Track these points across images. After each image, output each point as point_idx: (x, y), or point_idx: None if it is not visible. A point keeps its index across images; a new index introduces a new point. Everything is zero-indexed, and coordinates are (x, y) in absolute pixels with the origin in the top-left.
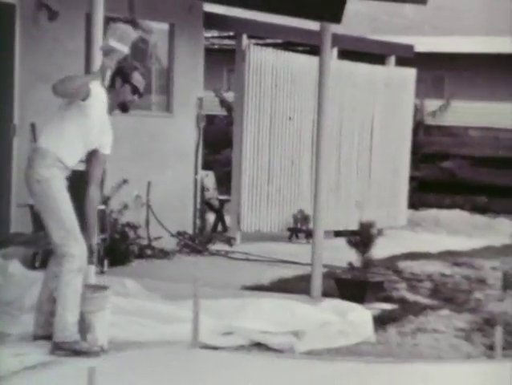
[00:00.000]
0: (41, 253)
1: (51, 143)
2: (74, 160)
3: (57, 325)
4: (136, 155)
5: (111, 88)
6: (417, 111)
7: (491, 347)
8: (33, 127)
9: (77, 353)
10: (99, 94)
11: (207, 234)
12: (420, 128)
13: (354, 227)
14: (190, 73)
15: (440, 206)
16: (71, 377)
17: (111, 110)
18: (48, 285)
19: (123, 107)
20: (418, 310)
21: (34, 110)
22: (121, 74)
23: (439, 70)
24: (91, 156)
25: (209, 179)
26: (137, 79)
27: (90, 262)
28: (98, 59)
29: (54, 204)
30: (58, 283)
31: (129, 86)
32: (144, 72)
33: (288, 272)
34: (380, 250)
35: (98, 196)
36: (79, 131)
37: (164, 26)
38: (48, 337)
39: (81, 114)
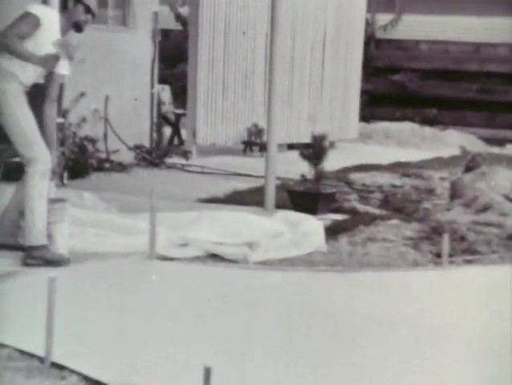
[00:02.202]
0: (1, 165)
1: (7, 61)
2: (29, 79)
3: (27, 229)
4: (93, 68)
5: (63, 9)
6: (369, 25)
7: (438, 255)
8: None
9: (48, 262)
10: (51, 19)
11: (163, 148)
12: (372, 42)
13: (306, 140)
14: None
15: (390, 119)
16: (32, 287)
17: (64, 31)
18: (17, 197)
19: (77, 28)
20: (368, 220)
21: None
22: None
23: None
24: (48, 75)
25: (165, 93)
26: None
27: (51, 178)
28: None
29: (13, 116)
30: (25, 188)
31: (81, 5)
32: None
33: (242, 185)
34: (332, 162)
35: (54, 114)
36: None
37: None
38: (7, 246)
39: (36, 41)
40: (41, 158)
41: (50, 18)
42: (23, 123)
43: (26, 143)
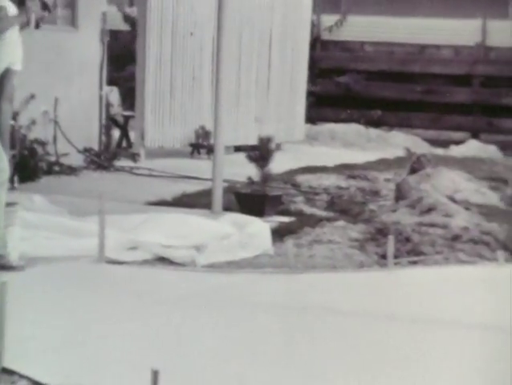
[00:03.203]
0: None
1: None
2: None
3: None
4: (42, 69)
5: (20, 5)
6: (314, 26)
7: (383, 256)
8: None
9: (2, 267)
10: (11, 12)
11: (112, 150)
12: (317, 43)
13: (253, 142)
14: None
15: (336, 120)
16: None
17: (22, 27)
18: None
19: (35, 24)
20: (315, 221)
21: None
22: None
23: None
24: (3, 73)
25: (114, 95)
26: None
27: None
28: None
29: None
30: None
31: (39, 2)
32: None
33: (190, 187)
34: (279, 164)
35: (9, 112)
36: None
37: None
38: None
39: None
40: (1, 169)
41: (12, 12)
42: None
43: None
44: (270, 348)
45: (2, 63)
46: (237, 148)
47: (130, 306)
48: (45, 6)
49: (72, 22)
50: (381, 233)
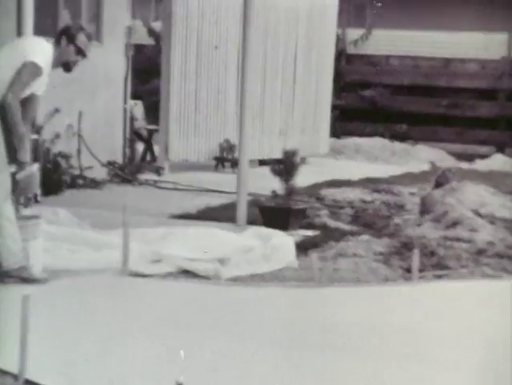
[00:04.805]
0: None
1: None
2: None
3: (2, 255)
4: (66, 84)
5: (56, 46)
6: (339, 40)
7: (408, 270)
8: None
9: (25, 280)
10: (48, 62)
11: (136, 164)
12: (342, 57)
13: (278, 155)
14: (119, 1)
15: (361, 134)
16: (6, 304)
17: (53, 66)
18: None
19: (67, 67)
20: (339, 235)
21: None
22: (67, 34)
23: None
24: (27, 97)
25: (138, 108)
26: (82, 40)
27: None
28: None
29: None
30: None
31: (74, 46)
32: (90, 33)
33: (214, 200)
34: (303, 178)
35: (29, 133)
36: None
37: None
38: None
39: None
40: (1, 184)
41: (48, 61)
42: None
43: None
44: (296, 361)
45: (29, 90)
46: (262, 162)
47: (153, 319)
48: (79, 51)
49: (97, 36)
50: (406, 246)
